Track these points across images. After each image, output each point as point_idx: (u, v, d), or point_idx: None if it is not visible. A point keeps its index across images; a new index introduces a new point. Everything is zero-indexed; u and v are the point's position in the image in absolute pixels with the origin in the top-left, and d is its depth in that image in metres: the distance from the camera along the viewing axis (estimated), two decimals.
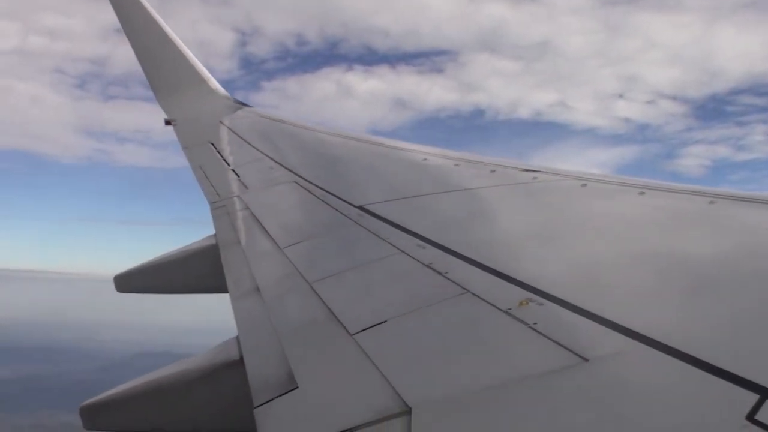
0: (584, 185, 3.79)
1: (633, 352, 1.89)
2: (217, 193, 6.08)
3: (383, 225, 3.82)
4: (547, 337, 2.09)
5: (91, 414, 3.60)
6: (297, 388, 2.39)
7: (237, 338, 3.19)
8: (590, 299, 2.29)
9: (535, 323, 2.20)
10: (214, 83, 9.87)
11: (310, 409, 2.28)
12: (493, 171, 4.40)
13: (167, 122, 8.95)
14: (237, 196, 5.75)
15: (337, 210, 4.41)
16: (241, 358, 2.95)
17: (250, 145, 7.30)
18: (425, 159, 5.18)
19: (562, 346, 2.01)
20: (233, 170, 6.68)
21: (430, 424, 1.86)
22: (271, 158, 6.50)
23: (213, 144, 7.81)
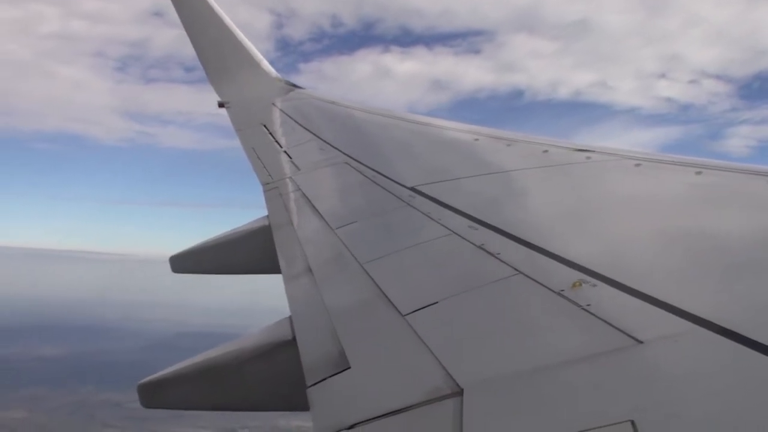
0: (638, 165, 3.71)
1: (688, 334, 1.85)
2: (270, 175, 6.12)
3: (435, 206, 3.80)
4: (600, 319, 2.06)
5: (148, 392, 3.69)
6: (349, 368, 2.41)
7: (290, 318, 3.22)
8: (644, 280, 2.25)
9: (588, 305, 2.17)
10: (267, 65, 9.92)
11: (362, 388, 2.29)
12: (545, 151, 4.32)
13: (220, 105, 9.03)
14: (289, 178, 5.78)
15: (388, 191, 4.40)
16: (294, 337, 2.97)
17: (302, 126, 7.33)
18: (477, 139, 5.12)
19: (616, 327, 1.97)
20: (285, 152, 6.72)
21: (482, 406, 1.85)
22: (323, 139, 6.50)
23: (265, 126, 7.86)
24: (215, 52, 9.93)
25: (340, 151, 5.89)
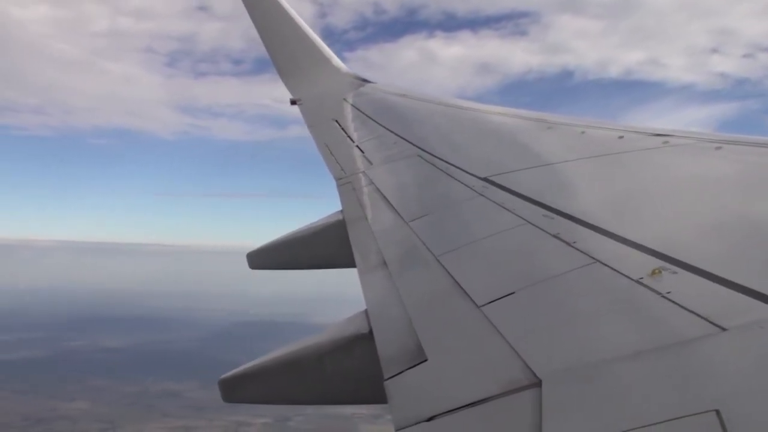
0: (719, 148, 3.61)
1: None
2: (343, 170, 6.16)
3: (508, 196, 3.77)
4: (681, 306, 2.02)
5: (229, 387, 3.76)
6: (426, 360, 2.41)
7: (365, 311, 3.24)
8: (727, 267, 2.19)
9: (669, 292, 2.13)
10: (337, 61, 9.99)
11: (440, 381, 2.30)
12: (621, 137, 4.25)
13: (293, 102, 9.12)
14: (362, 172, 5.82)
15: (461, 182, 4.38)
16: (371, 331, 2.99)
17: (373, 120, 7.35)
18: (549, 127, 5.07)
19: (698, 315, 1.94)
20: (357, 146, 6.76)
21: (561, 396, 1.84)
22: (394, 133, 6.51)
23: (337, 121, 7.91)
24: (286, 51, 10.05)
25: (412, 143, 5.90)
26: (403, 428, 2.06)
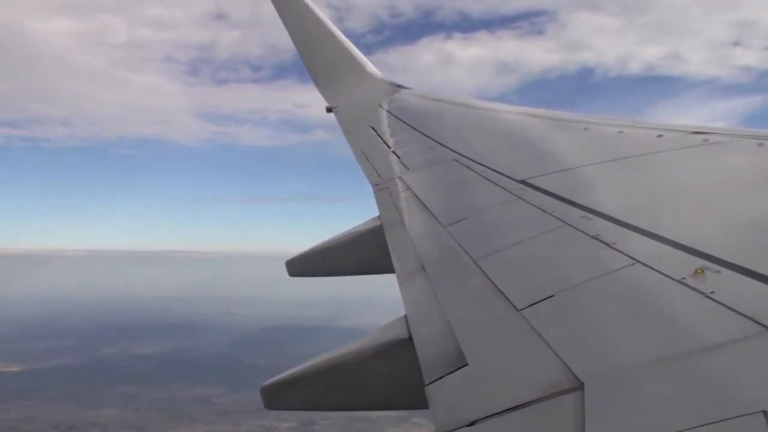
0: (761, 144, 3.56)
1: None
2: (379, 176, 6.17)
3: (547, 198, 3.74)
4: (725, 306, 1.99)
5: (271, 394, 3.79)
6: (467, 365, 2.40)
7: (405, 317, 3.25)
8: None
9: (712, 292, 2.09)
10: (372, 68, 10.00)
11: (481, 385, 2.29)
12: (659, 136, 4.20)
13: (328, 110, 9.14)
14: (399, 178, 5.82)
15: (498, 185, 4.34)
16: (410, 336, 2.99)
17: (409, 126, 7.35)
18: (587, 128, 5.01)
19: (743, 315, 1.90)
20: (394, 152, 6.76)
21: (604, 399, 1.82)
22: (431, 138, 6.50)
23: (373, 128, 7.92)
24: (321, 59, 10.10)
25: (449, 148, 5.87)
26: None
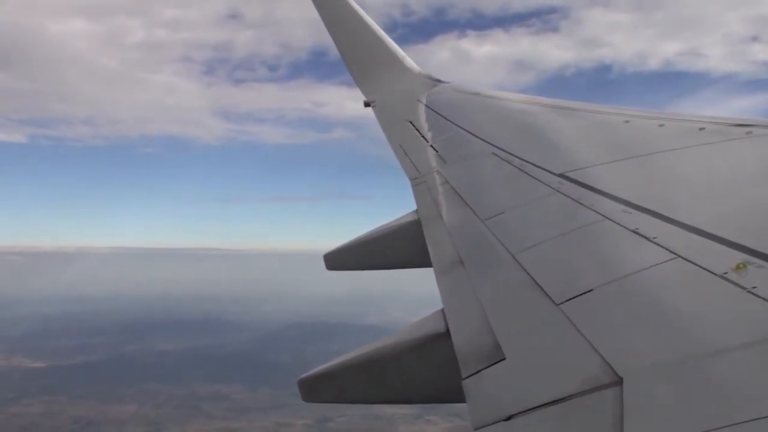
0: None
1: None
2: (417, 170, 6.16)
3: (586, 192, 3.70)
4: None
5: (308, 387, 3.81)
6: (504, 359, 2.40)
7: (442, 310, 3.25)
8: None
9: (755, 287, 2.06)
10: (410, 62, 10.01)
11: (519, 380, 2.29)
12: (701, 129, 4.12)
13: (366, 104, 9.18)
14: (436, 172, 5.82)
15: (537, 179, 4.31)
16: (448, 330, 2.99)
17: (447, 120, 7.33)
18: (627, 121, 4.96)
19: None
20: (432, 146, 6.77)
21: (643, 395, 1.81)
22: (469, 131, 6.48)
23: (411, 122, 7.92)
24: (359, 53, 10.13)
25: (487, 141, 5.84)
26: (482, 427, 2.06)
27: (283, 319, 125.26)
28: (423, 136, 7.30)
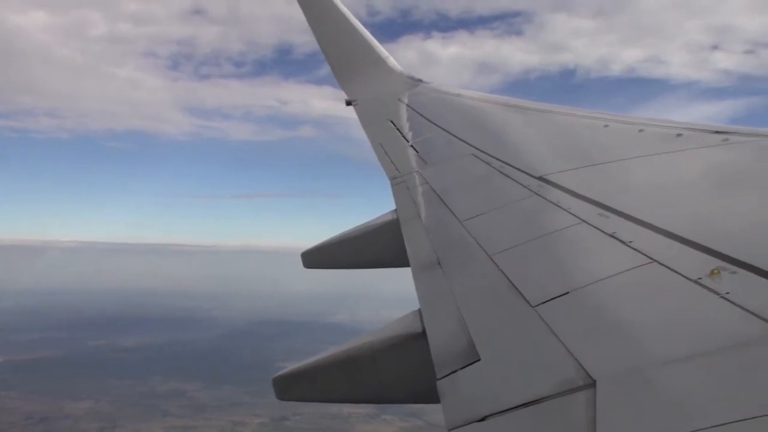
0: None
1: None
2: (397, 169, 6.17)
3: (564, 195, 3.73)
4: (740, 307, 1.97)
5: (283, 385, 3.82)
6: (479, 360, 2.41)
7: (419, 311, 3.25)
8: None
9: (728, 293, 2.08)
10: (393, 62, 10.04)
11: (493, 381, 2.29)
12: (679, 135, 4.18)
13: (348, 103, 9.23)
14: (416, 172, 5.84)
15: (516, 181, 4.34)
16: (424, 330, 2.99)
17: (428, 120, 7.36)
18: (606, 125, 5.00)
19: (758, 316, 1.89)
20: (412, 146, 6.79)
21: (616, 398, 1.82)
22: (449, 132, 6.51)
23: (392, 121, 7.95)
24: (342, 52, 10.14)
25: (467, 143, 5.88)
26: (456, 428, 2.06)
27: (249, 317, 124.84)
28: (404, 136, 7.33)
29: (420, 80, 9.36)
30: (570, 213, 3.42)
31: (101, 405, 72.13)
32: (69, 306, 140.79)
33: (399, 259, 4.41)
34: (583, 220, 3.25)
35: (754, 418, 1.48)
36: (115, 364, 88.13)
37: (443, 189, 5.02)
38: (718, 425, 1.51)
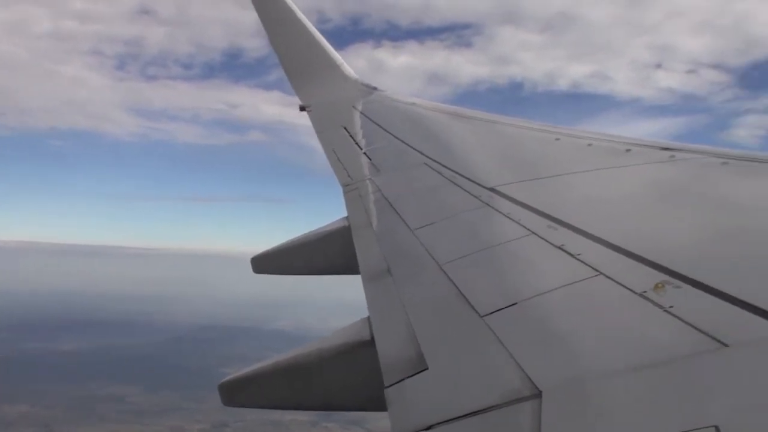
0: (725, 163, 3.64)
1: None
2: (350, 176, 6.18)
3: (514, 206, 3.76)
4: (683, 321, 2.01)
5: (229, 391, 3.77)
6: (427, 368, 2.41)
7: (368, 318, 3.24)
8: (731, 282, 2.18)
9: (671, 306, 2.12)
10: (347, 68, 10.04)
11: (440, 390, 2.30)
12: (628, 150, 4.26)
13: (302, 108, 9.20)
14: (369, 179, 5.85)
15: (467, 192, 4.37)
16: (373, 338, 2.99)
17: (382, 128, 7.39)
18: (558, 139, 5.07)
19: (700, 330, 1.92)
20: (365, 153, 6.80)
21: (561, 409, 1.84)
22: (402, 141, 6.55)
23: (346, 128, 7.95)
24: (297, 57, 10.11)
25: (420, 152, 5.91)
26: None
27: (192, 321, 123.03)
28: (357, 143, 7.33)
29: (375, 88, 9.37)
30: (520, 224, 3.45)
31: (37, 409, 70.11)
32: (7, 307, 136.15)
33: (349, 267, 4.41)
34: (533, 232, 3.28)
35: (694, 430, 1.50)
36: (52, 367, 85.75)
37: (395, 197, 5.04)
38: None
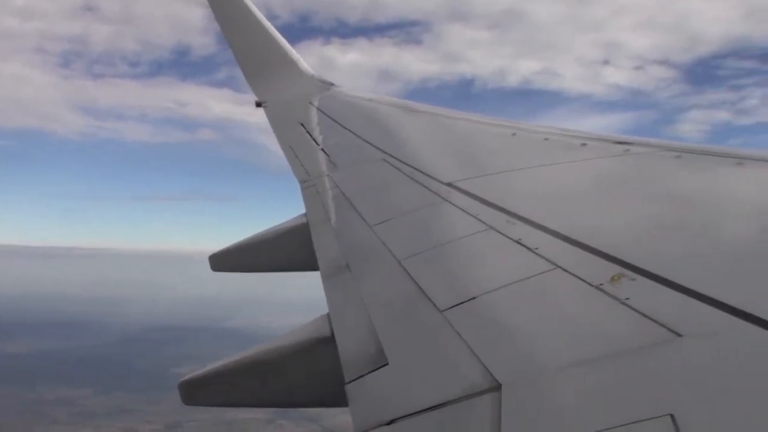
0: (678, 156, 3.70)
1: (730, 328, 1.84)
2: (307, 173, 6.17)
3: (472, 201, 3.79)
4: (639, 313, 2.04)
5: (188, 390, 3.72)
6: (387, 364, 2.42)
7: (327, 315, 3.25)
8: (685, 274, 2.22)
9: (627, 298, 2.15)
10: (303, 64, 10.03)
11: (400, 384, 2.31)
12: (583, 144, 4.33)
13: (258, 104, 9.15)
14: (327, 175, 5.84)
15: (425, 187, 4.39)
16: (332, 334, 3.00)
17: (339, 124, 7.39)
18: (514, 134, 5.12)
19: (655, 321, 1.96)
20: (322, 150, 6.78)
21: (520, 401, 1.86)
22: (360, 137, 6.55)
23: (303, 124, 7.93)
24: (252, 53, 10.06)
25: (378, 148, 5.91)
26: None
27: (144, 322, 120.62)
28: (314, 139, 7.31)
29: (331, 84, 9.37)
30: (478, 219, 3.47)
31: None
32: None
33: (308, 263, 4.40)
34: (491, 227, 3.30)
35: (650, 419, 1.54)
36: (1, 370, 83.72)
37: (353, 193, 5.04)
38: (616, 427, 1.56)
